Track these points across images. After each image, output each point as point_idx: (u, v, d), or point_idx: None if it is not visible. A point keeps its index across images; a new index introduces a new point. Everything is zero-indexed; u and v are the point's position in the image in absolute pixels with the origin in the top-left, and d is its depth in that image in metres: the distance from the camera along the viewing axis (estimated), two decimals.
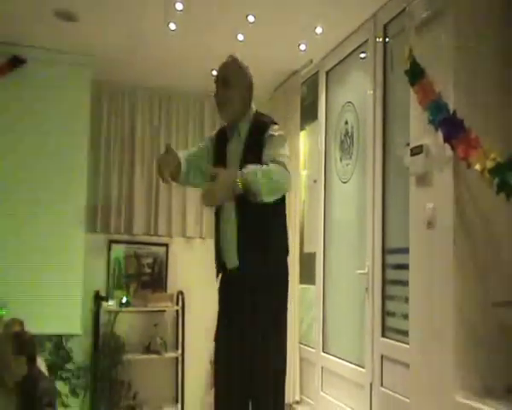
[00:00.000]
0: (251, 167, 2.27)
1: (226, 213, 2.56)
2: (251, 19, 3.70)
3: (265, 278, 2.48)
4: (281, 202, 2.52)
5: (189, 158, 2.67)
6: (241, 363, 2.50)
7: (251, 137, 2.55)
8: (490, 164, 2.26)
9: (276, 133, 2.48)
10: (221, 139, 2.71)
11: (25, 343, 2.88)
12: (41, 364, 3.28)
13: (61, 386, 4.17)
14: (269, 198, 2.30)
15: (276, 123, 2.58)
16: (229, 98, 2.57)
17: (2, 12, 3.73)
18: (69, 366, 4.47)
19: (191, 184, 2.81)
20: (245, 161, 2.40)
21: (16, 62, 4.19)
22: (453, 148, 2.50)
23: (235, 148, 2.60)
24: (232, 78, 2.58)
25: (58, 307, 4.16)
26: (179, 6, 3.53)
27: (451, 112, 2.53)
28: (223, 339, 2.61)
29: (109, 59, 4.48)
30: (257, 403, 2.49)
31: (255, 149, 2.46)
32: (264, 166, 2.30)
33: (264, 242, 2.49)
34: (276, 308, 2.53)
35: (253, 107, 2.67)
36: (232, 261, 2.54)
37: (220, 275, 2.66)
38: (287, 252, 2.62)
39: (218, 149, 2.69)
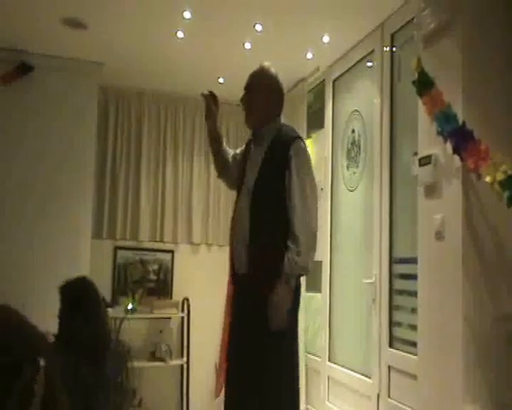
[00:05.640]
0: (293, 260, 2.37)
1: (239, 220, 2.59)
2: (258, 27, 3.71)
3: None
4: None
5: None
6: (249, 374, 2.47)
7: (273, 148, 2.54)
8: (500, 176, 2.24)
9: (302, 152, 2.49)
10: (247, 146, 2.77)
11: None
12: None
13: None
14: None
15: (301, 138, 2.59)
16: (251, 104, 2.60)
17: (10, 19, 3.75)
18: None
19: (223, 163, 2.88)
20: (262, 172, 2.48)
21: (24, 69, 4.19)
22: (462, 159, 2.48)
23: (256, 156, 2.62)
24: (255, 84, 2.62)
25: None
26: (187, 14, 3.55)
27: (460, 123, 2.51)
28: (232, 350, 2.62)
29: (117, 66, 4.49)
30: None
31: (275, 161, 2.47)
32: (303, 247, 2.38)
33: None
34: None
35: (281, 118, 2.67)
36: (241, 268, 2.53)
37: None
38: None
39: (243, 157, 2.74)
